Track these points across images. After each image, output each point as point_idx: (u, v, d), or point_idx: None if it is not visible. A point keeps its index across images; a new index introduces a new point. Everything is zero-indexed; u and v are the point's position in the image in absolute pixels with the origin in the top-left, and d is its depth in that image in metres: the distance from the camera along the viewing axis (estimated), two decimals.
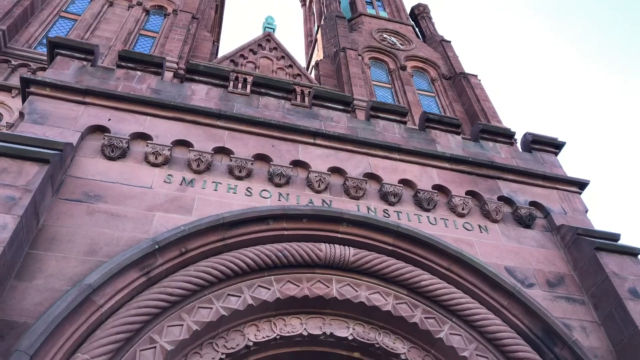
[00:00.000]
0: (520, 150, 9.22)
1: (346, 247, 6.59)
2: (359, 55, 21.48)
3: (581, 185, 8.50)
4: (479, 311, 6.37)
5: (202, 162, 6.84)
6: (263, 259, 6.17)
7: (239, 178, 6.94)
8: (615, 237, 7.26)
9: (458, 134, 8.85)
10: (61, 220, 5.75)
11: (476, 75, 22.05)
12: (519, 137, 9.28)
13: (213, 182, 6.80)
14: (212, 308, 5.81)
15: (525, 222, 7.66)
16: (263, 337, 6.08)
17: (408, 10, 29.58)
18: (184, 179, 6.70)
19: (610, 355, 6.26)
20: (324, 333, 6.29)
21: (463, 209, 7.51)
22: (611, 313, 6.45)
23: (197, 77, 8.05)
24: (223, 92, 8.00)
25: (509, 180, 8.22)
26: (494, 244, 7.22)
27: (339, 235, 6.64)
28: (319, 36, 24.85)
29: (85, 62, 7.65)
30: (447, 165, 8.05)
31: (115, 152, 6.60)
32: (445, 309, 6.47)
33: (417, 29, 27.50)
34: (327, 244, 6.53)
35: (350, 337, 6.31)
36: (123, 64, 7.84)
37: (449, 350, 6.22)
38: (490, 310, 6.42)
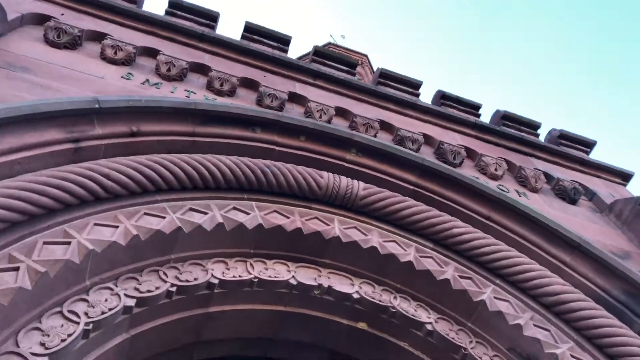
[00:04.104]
0: None
1: (354, 180, 4.95)
2: None
3: (625, 176, 7.14)
4: (533, 267, 4.62)
5: (175, 67, 5.35)
6: (245, 172, 4.47)
7: (220, 93, 5.42)
8: None
9: (477, 116, 7.58)
10: None
11: None
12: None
13: (185, 90, 5.27)
14: (164, 217, 4.00)
15: (570, 195, 6.14)
16: (234, 276, 4.21)
17: None
18: (147, 80, 5.17)
19: None
20: (320, 285, 4.44)
21: (496, 169, 6.00)
22: None
23: (179, 12, 6.79)
24: (208, 31, 6.70)
25: (543, 159, 6.82)
26: (538, 208, 5.63)
27: (346, 165, 4.99)
28: None
29: None
30: (471, 132, 6.68)
31: (63, 37, 5.09)
32: (485, 268, 4.71)
33: None
34: (329, 173, 4.89)
35: (355, 296, 4.46)
36: None
37: (494, 318, 4.39)
38: (547, 268, 4.69)
